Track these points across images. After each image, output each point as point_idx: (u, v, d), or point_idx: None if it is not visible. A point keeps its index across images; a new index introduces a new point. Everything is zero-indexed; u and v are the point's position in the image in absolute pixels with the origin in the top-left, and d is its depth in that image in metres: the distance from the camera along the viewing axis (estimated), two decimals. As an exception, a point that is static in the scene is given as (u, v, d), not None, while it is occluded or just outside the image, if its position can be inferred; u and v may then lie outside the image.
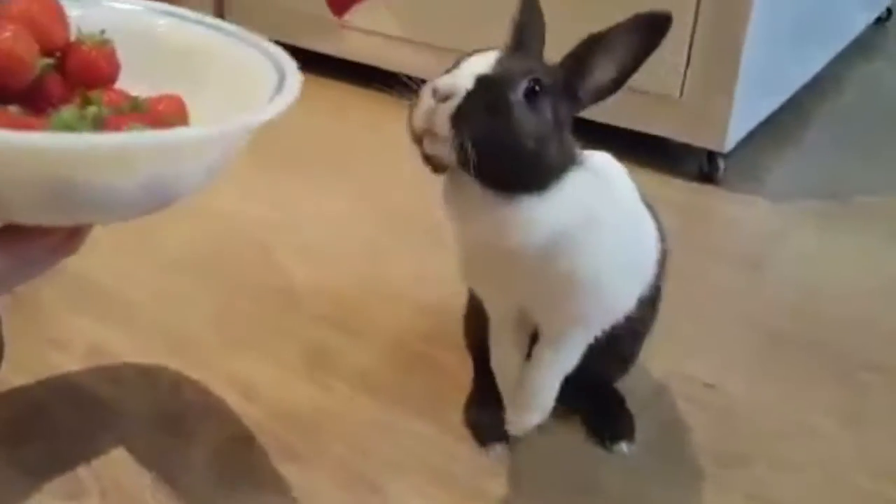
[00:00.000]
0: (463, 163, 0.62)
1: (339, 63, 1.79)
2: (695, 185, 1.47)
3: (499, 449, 0.85)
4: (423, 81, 0.64)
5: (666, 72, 1.43)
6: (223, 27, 0.73)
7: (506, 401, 0.81)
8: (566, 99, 0.67)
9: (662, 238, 0.82)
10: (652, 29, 0.66)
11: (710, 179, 1.47)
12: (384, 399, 0.92)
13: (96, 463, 0.81)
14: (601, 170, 0.72)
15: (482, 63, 0.65)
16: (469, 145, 0.61)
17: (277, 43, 0.70)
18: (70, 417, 0.87)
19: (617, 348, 0.82)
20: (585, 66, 0.67)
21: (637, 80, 1.41)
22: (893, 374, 1.01)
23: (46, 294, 1.05)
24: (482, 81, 0.63)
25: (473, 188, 0.65)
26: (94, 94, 0.63)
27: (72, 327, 1.00)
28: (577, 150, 0.70)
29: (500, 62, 0.65)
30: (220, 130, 0.57)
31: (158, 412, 0.88)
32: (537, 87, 0.65)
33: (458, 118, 0.61)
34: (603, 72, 0.67)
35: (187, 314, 1.05)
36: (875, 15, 2.31)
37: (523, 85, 0.64)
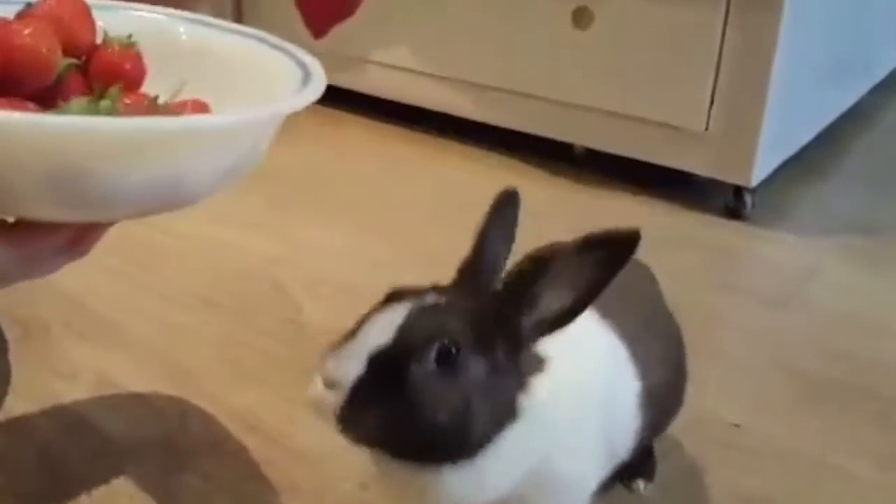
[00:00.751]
0: (375, 457, 0.56)
1: (352, 96, 1.79)
2: (722, 221, 1.44)
3: None
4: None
5: (691, 105, 1.40)
6: (247, 32, 0.71)
7: None
8: (503, 338, 0.56)
9: (650, 374, 0.69)
10: (617, 250, 0.53)
11: (738, 215, 1.44)
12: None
13: (97, 493, 0.79)
14: (561, 395, 0.60)
15: (383, 329, 0.55)
16: (365, 438, 0.54)
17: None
18: (73, 448, 0.85)
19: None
20: (526, 296, 0.55)
21: (661, 113, 1.42)
22: (930, 415, 0.96)
23: (54, 324, 1.04)
24: (375, 361, 0.53)
25: (397, 466, 0.57)
26: (111, 89, 0.60)
27: (78, 358, 0.99)
28: (519, 397, 0.57)
29: (404, 325, 0.55)
30: (238, 118, 0.54)
31: (163, 445, 0.86)
32: (453, 349, 0.54)
33: (345, 417, 0.53)
34: (552, 301, 0.55)
35: (194, 346, 1.03)
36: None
37: (433, 351, 0.53)
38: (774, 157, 1.48)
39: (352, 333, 0.56)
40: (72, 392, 0.92)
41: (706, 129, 1.40)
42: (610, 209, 1.45)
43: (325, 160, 1.63)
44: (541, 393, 0.58)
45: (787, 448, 0.90)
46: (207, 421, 0.90)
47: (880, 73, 2.01)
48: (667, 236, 1.35)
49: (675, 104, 1.41)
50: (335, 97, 1.80)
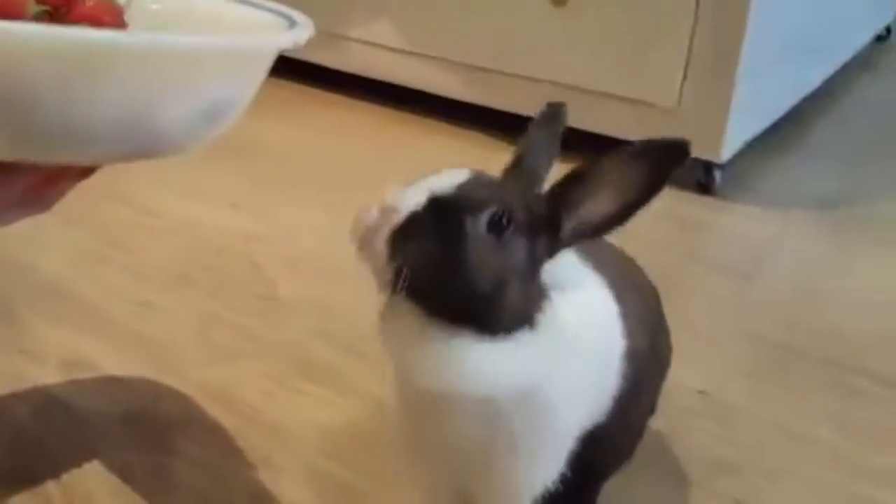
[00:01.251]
0: (401, 289, 0.54)
1: (336, 75, 1.78)
2: (691, 196, 1.46)
3: None
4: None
5: (663, 81, 1.42)
6: None
7: None
8: (545, 237, 0.57)
9: (636, 333, 0.67)
10: (664, 159, 0.54)
11: (707, 190, 1.46)
12: (371, 412, 0.90)
13: (66, 477, 0.78)
14: (571, 325, 0.59)
15: (445, 182, 0.55)
16: (409, 273, 0.53)
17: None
18: (41, 430, 0.84)
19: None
20: (572, 199, 0.56)
21: (634, 89, 1.43)
22: (889, 381, 0.98)
23: (24, 306, 1.03)
24: (436, 202, 0.54)
25: (418, 319, 0.56)
26: None
27: (48, 339, 0.98)
28: (547, 297, 0.57)
29: (466, 184, 0.55)
30: (201, 42, 0.49)
31: (137, 424, 0.86)
32: (505, 220, 0.54)
33: (397, 239, 0.53)
34: (596, 206, 0.55)
35: (168, 325, 1.03)
36: (875, 33, 2.30)
37: (487, 214, 0.54)
38: (744, 133, 1.50)
39: (417, 182, 0.56)
40: (43, 374, 0.92)
41: (678, 104, 1.42)
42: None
43: (308, 139, 1.62)
44: (555, 316, 0.58)
45: (751, 415, 0.91)
46: (181, 399, 0.90)
47: (849, 52, 2.04)
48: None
49: (649, 81, 1.43)
50: (319, 76, 1.80)
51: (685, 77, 1.41)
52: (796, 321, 1.10)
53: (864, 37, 2.17)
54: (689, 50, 1.39)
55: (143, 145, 0.51)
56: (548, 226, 0.56)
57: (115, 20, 0.62)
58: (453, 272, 0.54)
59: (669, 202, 1.43)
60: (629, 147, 0.54)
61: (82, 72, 0.44)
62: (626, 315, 0.66)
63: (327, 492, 0.79)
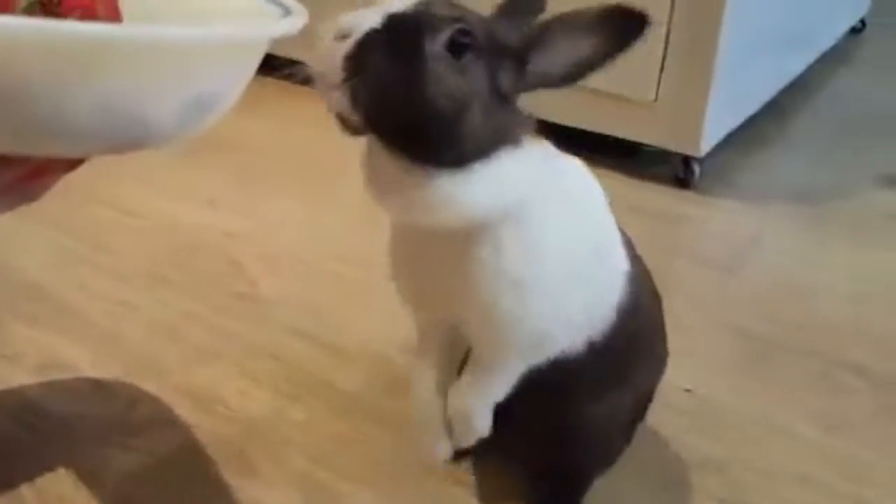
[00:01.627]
0: (360, 116, 0.52)
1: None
2: (671, 190, 1.45)
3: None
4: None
5: (640, 76, 1.41)
6: None
7: (420, 429, 0.69)
8: (511, 67, 0.56)
9: (632, 259, 0.70)
10: (624, 27, 0.55)
11: (686, 184, 1.46)
12: (350, 411, 0.89)
13: (41, 481, 0.77)
14: (554, 165, 0.61)
15: (404, 2, 0.54)
16: (364, 95, 0.51)
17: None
18: (16, 432, 0.83)
19: (573, 409, 0.69)
20: (541, 39, 0.56)
21: (611, 83, 1.43)
22: (873, 376, 0.99)
23: (0, 306, 1.02)
24: (393, 20, 0.52)
25: (387, 157, 0.56)
26: None
27: (23, 340, 0.97)
28: (521, 132, 0.58)
29: (426, 3, 0.54)
30: (209, 35, 0.47)
31: (113, 427, 0.85)
32: (465, 40, 0.54)
33: (353, 59, 0.51)
34: (561, 53, 0.56)
35: (145, 325, 1.01)
36: (850, 25, 2.31)
37: (446, 34, 0.53)
38: (722, 127, 1.50)
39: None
40: (19, 376, 0.90)
41: (655, 99, 1.42)
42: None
43: (286, 135, 1.61)
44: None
45: (737, 412, 0.91)
46: (158, 401, 0.88)
47: (825, 44, 2.05)
48: (617, 205, 1.35)
49: (626, 75, 1.42)
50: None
51: (662, 71, 1.41)
52: (779, 315, 1.10)
53: (840, 28, 2.19)
54: (666, 44, 1.39)
55: (135, 137, 0.50)
56: (514, 57, 0.56)
57: (109, 11, 0.60)
58: (411, 92, 0.52)
59: (649, 196, 1.43)
60: (597, 10, 0.55)
61: (73, 66, 0.43)
62: (631, 256, 0.69)
63: (306, 492, 0.78)
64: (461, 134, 0.54)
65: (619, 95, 1.43)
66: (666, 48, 1.39)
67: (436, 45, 0.53)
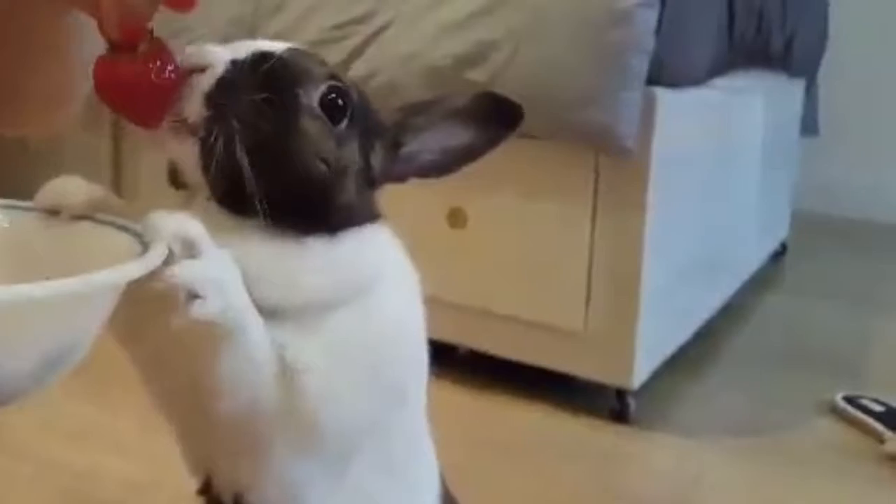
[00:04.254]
0: (208, 170, 0.46)
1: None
2: (607, 425, 1.40)
3: None
4: None
5: (567, 305, 1.40)
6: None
7: None
8: (385, 147, 0.53)
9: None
10: (498, 117, 0.54)
11: (622, 418, 1.40)
12: None
13: None
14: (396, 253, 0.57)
15: (270, 45, 0.49)
16: (224, 146, 0.45)
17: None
18: None
19: None
20: (420, 123, 0.54)
21: (540, 313, 1.41)
22: None
23: None
24: (262, 59, 0.47)
25: (230, 222, 0.48)
26: None
27: None
28: (378, 212, 0.54)
29: (298, 52, 0.49)
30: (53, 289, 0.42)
31: None
32: (341, 101, 0.49)
33: (220, 93, 0.45)
34: (435, 140, 0.54)
35: None
36: (772, 249, 2.39)
37: (321, 88, 0.48)
38: (654, 358, 1.48)
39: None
40: None
41: (584, 328, 1.40)
42: (494, 413, 1.40)
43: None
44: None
45: None
46: None
47: (749, 269, 2.09)
48: (553, 443, 1.31)
49: (552, 304, 1.41)
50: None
51: (588, 300, 1.40)
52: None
53: (762, 253, 2.25)
54: (590, 271, 1.39)
55: None
56: (388, 136, 0.53)
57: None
58: (285, 149, 0.47)
59: (584, 433, 1.37)
60: (472, 94, 0.54)
61: None
62: None
63: None
64: (337, 197, 0.50)
65: (548, 325, 1.41)
66: (590, 276, 1.39)
67: (311, 99, 0.48)
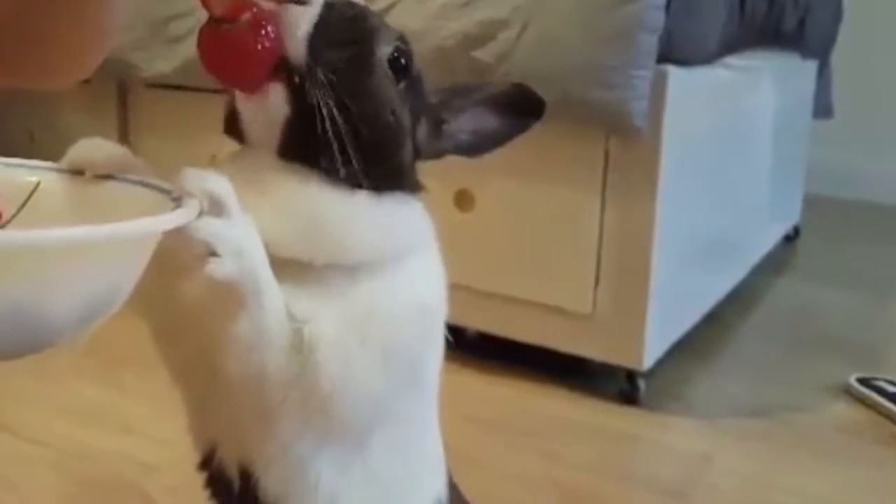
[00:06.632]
0: (291, 115, 0.48)
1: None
2: (617, 407, 1.39)
3: None
4: None
5: (576, 287, 1.39)
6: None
7: None
8: (429, 118, 0.56)
9: None
10: (523, 107, 0.57)
11: (632, 400, 1.39)
12: None
13: None
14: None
15: None
16: (327, 80, 0.47)
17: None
18: None
19: None
20: (459, 104, 0.57)
21: (548, 295, 1.40)
22: None
23: None
24: (347, 5, 0.50)
25: (285, 175, 0.50)
26: None
27: None
28: (421, 187, 0.57)
29: (369, 10, 0.52)
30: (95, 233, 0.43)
31: None
32: (405, 61, 0.52)
33: (318, 36, 0.48)
34: (470, 122, 0.57)
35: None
36: (783, 233, 2.37)
37: (392, 45, 0.51)
38: (664, 340, 1.47)
39: None
40: None
41: (592, 311, 1.38)
42: (503, 396, 1.39)
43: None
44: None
45: None
46: None
47: (760, 253, 2.07)
48: (563, 425, 1.30)
49: (561, 286, 1.40)
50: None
51: (597, 283, 1.38)
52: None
53: (774, 237, 2.23)
54: (599, 253, 1.38)
55: (26, 343, 0.45)
56: (433, 112, 0.56)
57: None
58: (367, 98, 0.49)
59: (594, 415, 1.36)
60: (507, 84, 0.57)
61: None
62: None
63: None
64: (400, 153, 0.52)
65: (556, 307, 1.40)
66: (599, 258, 1.38)
67: (382, 54, 0.51)
